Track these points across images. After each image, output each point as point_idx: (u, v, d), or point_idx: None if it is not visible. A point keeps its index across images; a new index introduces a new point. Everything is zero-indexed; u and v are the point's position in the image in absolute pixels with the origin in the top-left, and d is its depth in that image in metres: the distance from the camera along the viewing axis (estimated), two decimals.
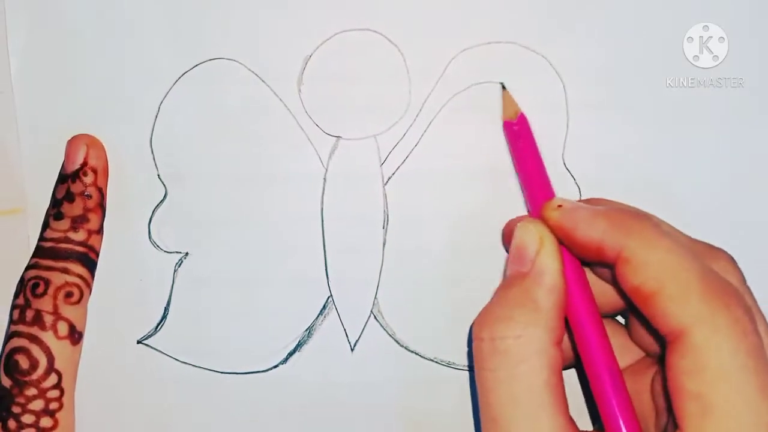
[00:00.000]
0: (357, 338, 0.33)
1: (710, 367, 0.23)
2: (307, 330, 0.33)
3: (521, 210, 0.32)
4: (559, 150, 0.32)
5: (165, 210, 0.33)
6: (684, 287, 0.24)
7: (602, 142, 0.32)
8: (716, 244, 0.31)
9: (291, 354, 0.33)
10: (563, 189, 0.32)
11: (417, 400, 0.33)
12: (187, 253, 0.33)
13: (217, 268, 0.33)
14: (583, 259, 0.27)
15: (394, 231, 0.33)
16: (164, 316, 0.33)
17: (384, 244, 0.33)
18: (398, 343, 0.33)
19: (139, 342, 0.33)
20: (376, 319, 0.33)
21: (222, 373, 0.33)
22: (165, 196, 0.33)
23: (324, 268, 0.33)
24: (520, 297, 0.26)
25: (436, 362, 0.33)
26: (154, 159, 0.33)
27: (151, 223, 0.33)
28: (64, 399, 0.31)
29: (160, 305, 0.33)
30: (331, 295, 0.33)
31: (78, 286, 0.31)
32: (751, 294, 0.27)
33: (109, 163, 0.32)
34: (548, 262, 0.26)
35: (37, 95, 0.32)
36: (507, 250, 0.32)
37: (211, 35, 0.32)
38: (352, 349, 0.33)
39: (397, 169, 0.33)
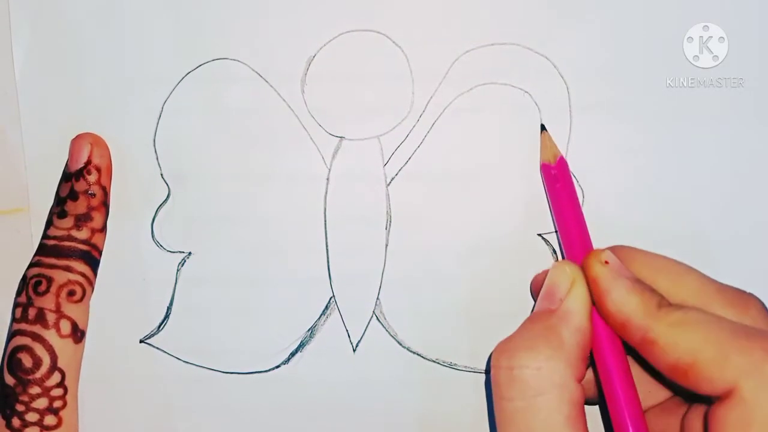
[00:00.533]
0: (359, 339, 0.33)
1: (758, 420, 0.23)
2: (309, 330, 0.33)
3: (522, 210, 0.33)
4: (562, 151, 0.32)
5: (168, 210, 0.33)
6: (720, 350, 0.24)
7: (604, 142, 0.32)
8: (716, 245, 0.32)
9: (293, 354, 0.33)
10: None
11: (419, 401, 0.33)
12: (190, 253, 0.33)
13: (219, 267, 0.33)
14: (603, 319, 0.27)
15: (396, 232, 0.33)
16: (167, 316, 0.33)
17: (387, 245, 0.33)
18: (400, 344, 0.33)
19: (141, 341, 0.33)
20: (378, 320, 0.33)
21: (224, 372, 0.33)
22: (168, 196, 0.33)
23: (327, 268, 0.33)
24: (544, 331, 0.26)
25: (438, 363, 0.33)
26: (157, 159, 0.33)
27: (154, 222, 0.33)
28: (68, 397, 0.31)
29: (162, 305, 0.33)
30: (334, 296, 0.33)
31: (80, 285, 0.31)
32: None
33: (112, 163, 0.32)
34: (577, 303, 0.26)
35: (40, 95, 0.33)
36: (534, 298, 0.32)
37: (215, 35, 0.32)
38: (354, 350, 0.33)
39: (400, 169, 0.33)
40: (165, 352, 0.33)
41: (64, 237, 0.31)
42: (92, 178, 0.32)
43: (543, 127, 0.32)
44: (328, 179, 0.33)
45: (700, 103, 0.32)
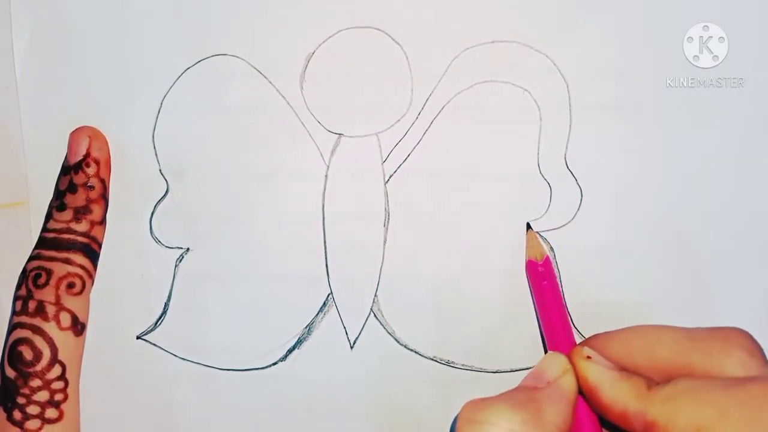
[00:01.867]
0: (356, 336, 0.33)
1: None
2: (306, 327, 0.33)
3: (520, 207, 0.32)
4: (561, 150, 0.32)
5: (167, 205, 0.33)
6: (719, 411, 0.23)
7: (603, 142, 0.32)
8: (716, 245, 0.31)
9: (290, 351, 0.33)
10: (565, 190, 0.32)
11: (416, 399, 0.33)
12: (188, 249, 0.33)
13: (218, 264, 0.33)
14: (603, 416, 0.27)
15: (394, 229, 0.33)
16: (164, 312, 0.33)
17: (385, 242, 0.33)
18: (398, 341, 0.33)
19: (138, 338, 0.33)
20: (376, 318, 0.33)
21: (221, 369, 0.33)
22: (167, 192, 0.33)
23: (325, 265, 0.33)
24: (527, 400, 0.26)
25: (436, 361, 0.33)
26: (156, 154, 0.33)
27: (153, 218, 0.33)
28: (69, 390, 0.31)
29: (160, 301, 0.33)
30: (332, 293, 0.33)
31: (80, 277, 0.31)
32: None
33: (111, 158, 0.32)
34: (565, 389, 0.26)
35: (40, 91, 0.33)
36: None
37: (214, 31, 0.32)
38: (351, 347, 0.33)
39: (398, 167, 0.33)
40: (162, 348, 0.33)
41: (64, 230, 0.31)
42: (91, 170, 0.32)
43: (528, 226, 0.32)
44: (326, 176, 0.33)
45: (700, 103, 0.32)
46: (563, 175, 0.32)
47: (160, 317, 0.33)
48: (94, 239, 0.32)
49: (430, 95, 0.32)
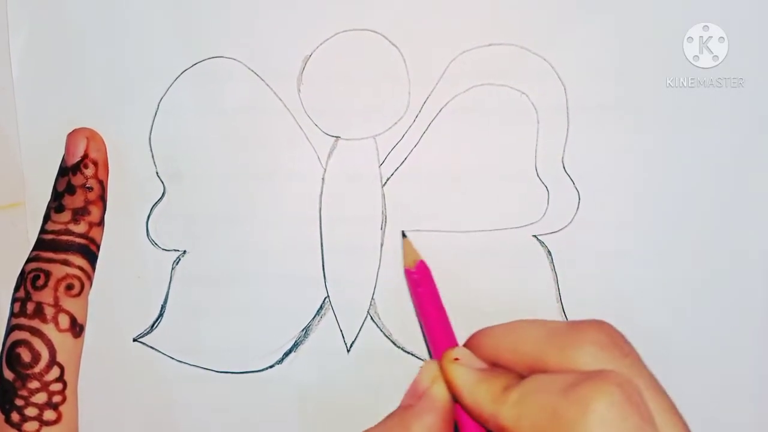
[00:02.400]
0: (353, 339, 0.33)
1: None
2: (303, 330, 0.33)
3: (517, 212, 0.32)
4: (559, 153, 0.32)
5: (163, 208, 0.33)
6: (553, 415, 0.23)
7: (602, 144, 0.32)
8: (716, 245, 0.32)
9: (287, 354, 0.33)
10: (563, 193, 0.32)
11: None
12: (184, 251, 0.33)
13: (214, 266, 0.33)
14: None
15: (392, 232, 0.33)
16: (161, 314, 0.33)
17: (382, 244, 0.33)
18: (394, 344, 0.33)
19: (135, 340, 0.33)
20: (373, 320, 0.33)
21: (218, 372, 0.33)
22: (163, 194, 0.33)
23: (321, 268, 0.33)
24: (397, 426, 0.27)
25: None
26: (152, 157, 0.33)
27: (149, 220, 0.33)
28: (67, 392, 0.30)
29: (157, 303, 0.33)
30: (328, 296, 0.33)
31: (79, 278, 0.31)
32: (633, 357, 0.25)
33: (108, 160, 0.32)
34: (430, 402, 0.27)
35: (37, 91, 0.32)
36: None
37: (211, 34, 0.32)
38: (348, 350, 0.33)
39: (396, 169, 0.33)
40: (158, 351, 0.33)
41: (62, 231, 0.31)
42: (89, 171, 0.32)
43: (404, 234, 0.32)
44: (323, 179, 0.33)
45: (700, 103, 0.32)
46: (561, 178, 0.32)
47: (156, 320, 0.33)
48: (92, 240, 0.32)
49: (428, 98, 0.32)
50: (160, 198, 0.33)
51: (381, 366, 0.33)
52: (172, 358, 0.33)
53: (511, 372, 0.26)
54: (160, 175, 0.33)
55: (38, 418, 0.30)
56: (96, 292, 0.32)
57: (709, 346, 0.33)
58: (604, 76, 0.32)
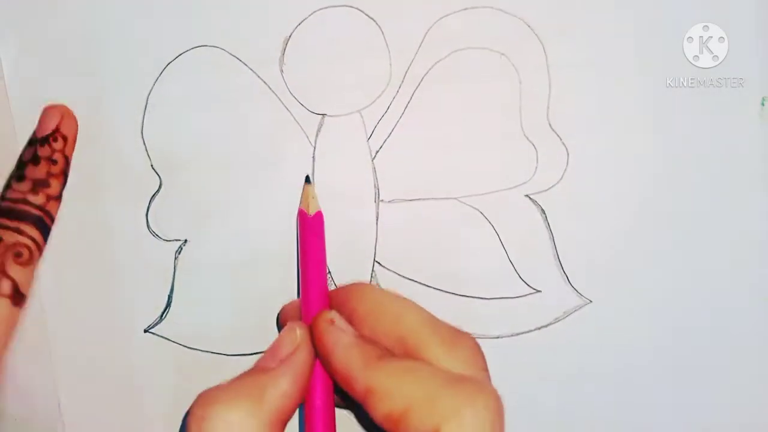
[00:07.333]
0: None
1: None
2: None
3: (508, 171, 0.33)
4: (543, 111, 0.32)
5: (161, 199, 0.33)
6: (429, 397, 0.24)
7: (584, 100, 0.32)
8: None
9: None
10: (551, 151, 0.32)
11: None
12: (186, 240, 0.34)
13: (215, 253, 0.34)
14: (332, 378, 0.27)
15: (385, 204, 0.33)
16: (168, 304, 0.34)
17: (377, 217, 0.33)
18: None
19: (146, 331, 0.34)
20: None
21: (229, 355, 0.34)
22: (160, 186, 0.33)
23: None
24: (250, 388, 0.26)
25: None
26: (146, 150, 0.33)
27: (149, 212, 0.33)
28: None
29: (163, 293, 0.34)
30: (329, 271, 0.33)
31: (28, 248, 0.31)
32: (488, 374, 0.27)
33: (104, 157, 0.33)
34: (292, 368, 0.27)
35: (28, 92, 0.33)
36: (279, 329, 0.32)
37: (192, 24, 0.32)
38: None
39: (384, 142, 0.33)
40: (169, 339, 0.34)
41: (20, 200, 0.31)
42: (58, 145, 0.32)
43: (308, 179, 0.32)
44: (313, 157, 0.33)
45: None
46: (548, 135, 0.32)
47: (165, 309, 0.34)
48: (48, 213, 0.32)
49: (409, 68, 0.32)
50: (158, 190, 0.33)
51: None
52: (184, 346, 0.34)
53: (381, 344, 0.27)
54: (155, 167, 0.33)
55: None
56: (104, 288, 0.33)
57: (700, 307, 0.33)
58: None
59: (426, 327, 0.27)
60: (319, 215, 0.31)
